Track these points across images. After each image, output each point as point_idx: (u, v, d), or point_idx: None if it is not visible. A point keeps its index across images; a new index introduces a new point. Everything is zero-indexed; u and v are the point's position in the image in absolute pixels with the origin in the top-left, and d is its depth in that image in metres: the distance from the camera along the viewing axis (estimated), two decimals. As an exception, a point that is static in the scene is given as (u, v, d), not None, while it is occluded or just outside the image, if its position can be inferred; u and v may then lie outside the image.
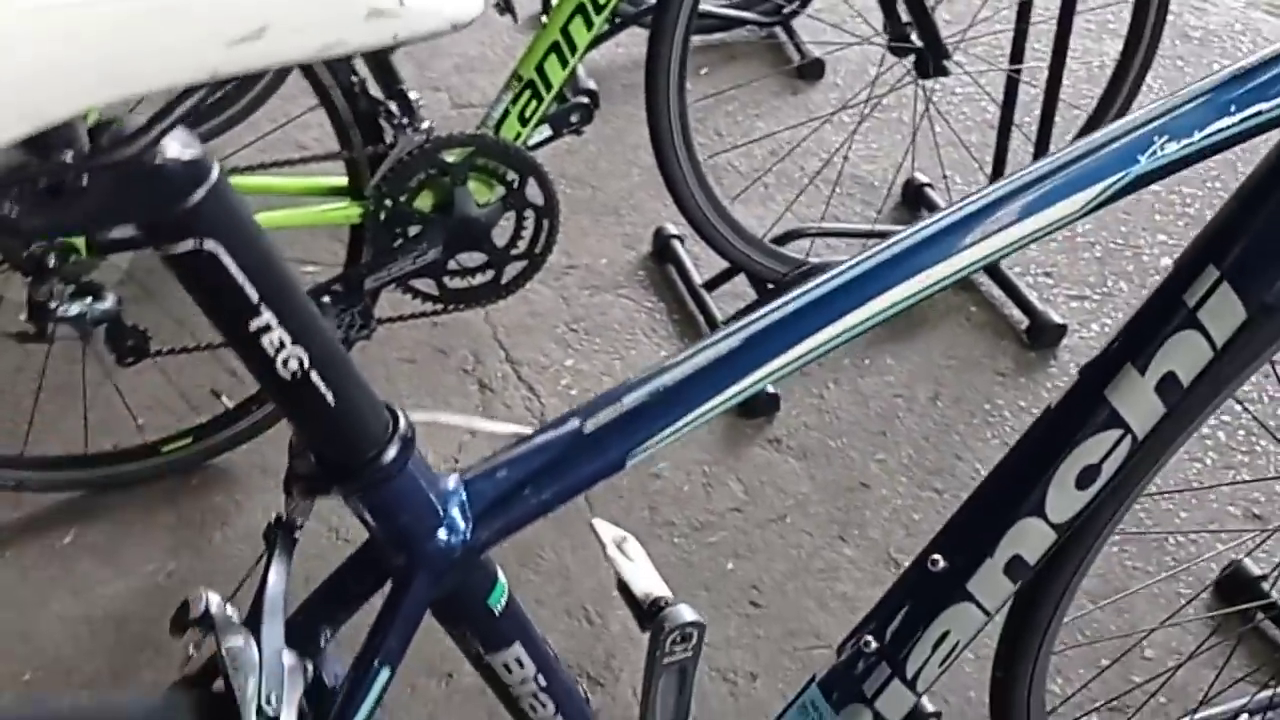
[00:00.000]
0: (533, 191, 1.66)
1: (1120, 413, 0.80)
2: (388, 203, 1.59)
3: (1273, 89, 0.69)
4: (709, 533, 1.68)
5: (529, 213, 1.68)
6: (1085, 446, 0.81)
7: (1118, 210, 2.14)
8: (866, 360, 1.92)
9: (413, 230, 1.63)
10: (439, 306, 1.71)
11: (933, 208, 2.20)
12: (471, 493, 0.64)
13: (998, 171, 2.11)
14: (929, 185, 2.21)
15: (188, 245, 0.48)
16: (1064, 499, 0.83)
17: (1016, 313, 1.99)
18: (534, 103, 1.65)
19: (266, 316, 0.52)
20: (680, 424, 0.66)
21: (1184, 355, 0.79)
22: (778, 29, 2.70)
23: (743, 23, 2.68)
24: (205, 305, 0.52)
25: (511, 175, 1.64)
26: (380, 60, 1.55)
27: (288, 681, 0.62)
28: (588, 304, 2.06)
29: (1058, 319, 1.94)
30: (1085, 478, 0.82)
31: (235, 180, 1.63)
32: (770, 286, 1.94)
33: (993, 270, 2.02)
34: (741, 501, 1.72)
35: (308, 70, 1.52)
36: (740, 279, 2.00)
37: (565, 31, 1.62)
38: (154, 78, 0.42)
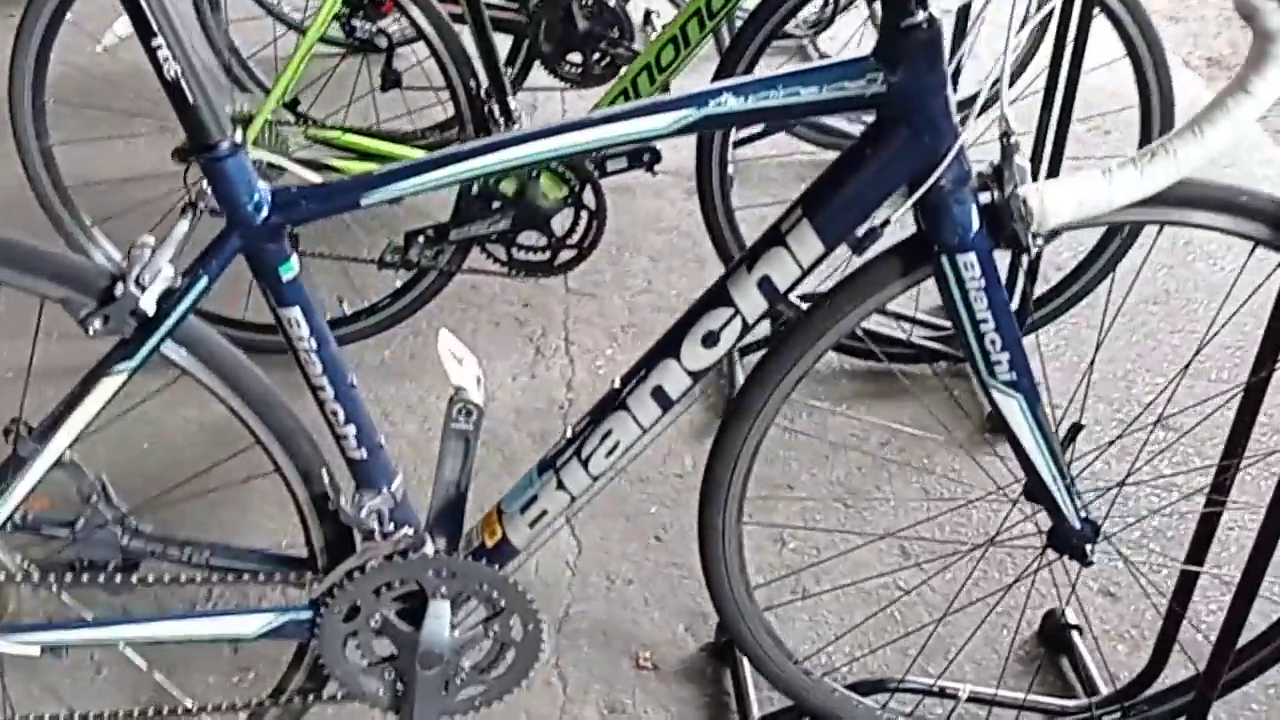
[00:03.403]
0: (589, 198, 2.18)
1: (732, 296, 1.21)
2: (479, 180, 2.15)
3: (811, 82, 1.10)
4: (649, 485, 2.09)
5: (584, 214, 2.20)
6: (710, 315, 1.22)
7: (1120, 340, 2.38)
8: (844, 404, 2.28)
9: (494, 205, 2.19)
10: (507, 270, 2.26)
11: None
12: (274, 195, 1.14)
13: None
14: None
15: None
16: (694, 352, 1.24)
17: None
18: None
19: (160, 39, 1.04)
20: (386, 193, 1.15)
21: (776, 265, 1.19)
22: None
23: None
24: (132, 20, 1.05)
25: (574, 181, 2.17)
26: (492, 66, 2.14)
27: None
28: (646, 317, 2.54)
29: (1017, 410, 2.21)
30: (709, 339, 1.23)
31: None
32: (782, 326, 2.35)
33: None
34: (686, 471, 2.12)
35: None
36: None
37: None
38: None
